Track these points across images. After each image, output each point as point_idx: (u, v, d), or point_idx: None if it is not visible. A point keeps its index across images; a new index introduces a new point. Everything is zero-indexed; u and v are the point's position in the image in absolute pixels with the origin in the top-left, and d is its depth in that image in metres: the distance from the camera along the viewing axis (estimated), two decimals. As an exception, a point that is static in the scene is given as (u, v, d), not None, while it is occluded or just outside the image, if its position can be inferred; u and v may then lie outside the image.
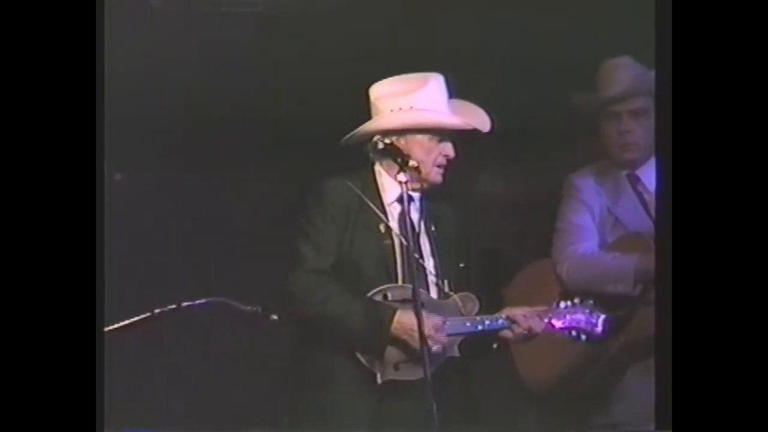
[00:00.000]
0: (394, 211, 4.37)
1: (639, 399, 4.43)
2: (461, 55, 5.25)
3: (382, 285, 4.28)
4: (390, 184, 4.35)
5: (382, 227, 4.35)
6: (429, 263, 4.36)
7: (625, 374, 4.67)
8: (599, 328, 4.35)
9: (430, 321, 4.20)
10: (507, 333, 4.30)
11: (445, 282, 4.33)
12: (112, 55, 4.03)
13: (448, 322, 4.25)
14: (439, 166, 4.33)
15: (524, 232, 5.01)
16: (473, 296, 4.33)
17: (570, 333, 4.35)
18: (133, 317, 4.02)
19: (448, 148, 4.34)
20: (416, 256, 4.29)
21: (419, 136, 4.33)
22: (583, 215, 4.84)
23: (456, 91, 5.13)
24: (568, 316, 4.34)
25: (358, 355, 4.24)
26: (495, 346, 4.35)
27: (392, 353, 4.24)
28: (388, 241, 4.33)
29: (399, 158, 4.16)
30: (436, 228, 4.36)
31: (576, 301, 4.36)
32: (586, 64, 4.98)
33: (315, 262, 4.28)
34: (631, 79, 4.76)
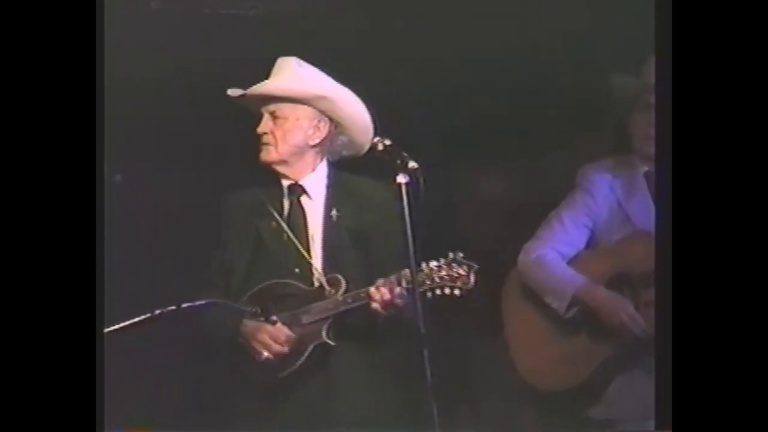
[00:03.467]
0: (285, 206, 4.46)
1: (638, 397, 4.43)
2: (462, 54, 5.25)
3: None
4: (285, 182, 4.49)
5: (273, 224, 4.42)
6: (315, 251, 4.42)
7: (624, 372, 4.67)
8: (470, 279, 4.26)
9: (268, 332, 4.32)
10: (376, 306, 4.28)
11: (318, 269, 4.39)
12: (112, 57, 4.04)
13: (275, 316, 4.31)
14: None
15: (523, 232, 5.00)
16: (339, 277, 4.36)
17: (442, 291, 4.23)
18: (133, 318, 4.02)
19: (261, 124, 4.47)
20: (299, 245, 4.39)
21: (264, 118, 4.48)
22: (579, 214, 4.82)
23: (455, 88, 5.14)
24: (433, 275, 4.23)
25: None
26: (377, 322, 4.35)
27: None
28: (281, 236, 4.42)
29: (399, 160, 4.16)
30: (339, 213, 4.44)
31: (441, 259, 4.27)
32: (588, 61, 4.99)
33: (214, 283, 4.43)
34: None
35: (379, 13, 5.21)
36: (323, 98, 4.45)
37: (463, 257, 4.25)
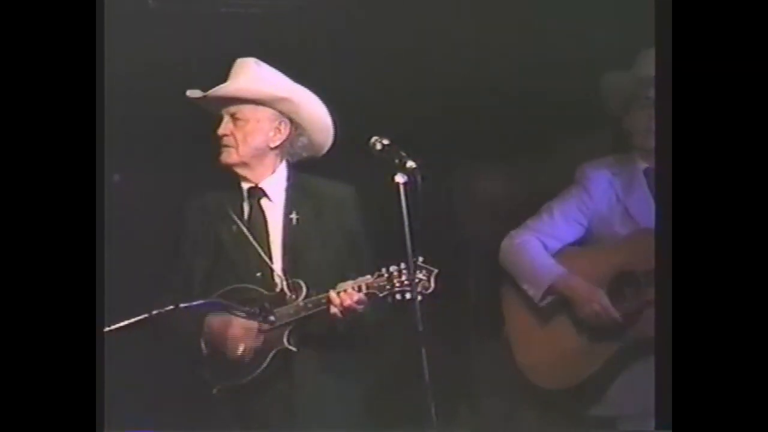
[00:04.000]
0: (246, 209, 4.44)
1: (639, 396, 4.43)
2: (462, 54, 5.25)
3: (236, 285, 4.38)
4: (245, 185, 4.47)
5: (234, 228, 4.41)
6: (276, 255, 4.40)
7: (625, 371, 4.67)
8: (430, 283, 4.23)
9: (241, 325, 4.29)
10: (334, 311, 4.28)
11: (279, 271, 4.37)
12: (111, 56, 4.03)
13: (273, 316, 4.29)
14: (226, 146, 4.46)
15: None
16: (301, 282, 4.34)
17: (403, 297, 4.21)
18: (131, 318, 4.02)
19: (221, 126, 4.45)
20: (260, 249, 4.37)
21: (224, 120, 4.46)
22: (571, 209, 4.83)
23: (455, 88, 5.13)
24: (394, 281, 4.22)
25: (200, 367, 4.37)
26: (339, 328, 4.34)
27: (221, 359, 4.33)
28: (242, 240, 4.40)
29: (397, 159, 4.15)
30: (299, 215, 4.43)
31: (402, 264, 4.22)
32: (588, 61, 4.99)
33: (176, 288, 4.39)
34: None
35: (379, 13, 5.21)
36: (284, 99, 4.43)
37: (423, 262, 4.23)
